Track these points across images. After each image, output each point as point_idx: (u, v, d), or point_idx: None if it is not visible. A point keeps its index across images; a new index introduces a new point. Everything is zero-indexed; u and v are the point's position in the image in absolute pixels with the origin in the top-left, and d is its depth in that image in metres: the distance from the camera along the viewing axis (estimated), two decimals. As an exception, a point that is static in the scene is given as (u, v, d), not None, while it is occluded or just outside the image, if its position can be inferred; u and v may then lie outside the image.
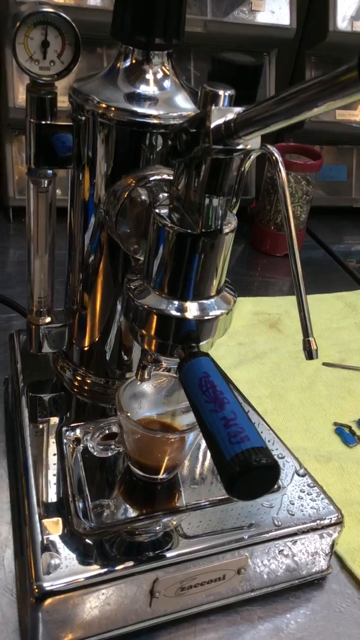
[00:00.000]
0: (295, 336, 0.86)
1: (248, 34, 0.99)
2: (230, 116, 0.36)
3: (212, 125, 0.36)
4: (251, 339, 0.85)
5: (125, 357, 0.60)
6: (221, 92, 0.37)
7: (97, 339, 0.59)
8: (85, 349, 0.60)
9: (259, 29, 0.99)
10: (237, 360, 0.80)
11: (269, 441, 0.59)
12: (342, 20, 1.02)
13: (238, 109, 0.36)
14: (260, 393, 0.75)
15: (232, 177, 0.40)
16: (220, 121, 0.36)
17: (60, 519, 0.48)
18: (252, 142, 0.37)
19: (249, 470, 0.34)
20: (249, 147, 0.38)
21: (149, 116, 0.45)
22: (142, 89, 0.46)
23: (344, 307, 0.95)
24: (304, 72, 1.08)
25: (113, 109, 0.45)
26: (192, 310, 0.43)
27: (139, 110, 0.45)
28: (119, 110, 0.45)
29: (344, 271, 1.08)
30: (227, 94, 0.37)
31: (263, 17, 0.99)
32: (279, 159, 0.49)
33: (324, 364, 0.82)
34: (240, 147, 0.37)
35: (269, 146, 0.50)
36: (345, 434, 0.71)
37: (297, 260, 0.52)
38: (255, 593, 0.52)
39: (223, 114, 0.36)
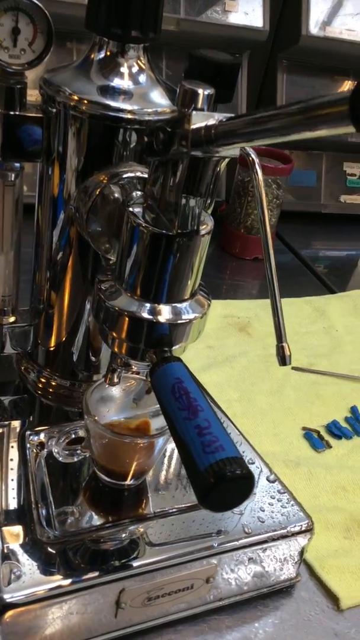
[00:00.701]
0: (264, 340, 0.86)
1: (221, 34, 0.98)
2: (211, 122, 0.35)
3: (192, 129, 0.35)
4: (221, 342, 0.84)
5: (93, 359, 0.58)
6: (200, 91, 0.36)
7: (63, 340, 0.57)
8: (51, 349, 0.58)
9: (232, 30, 0.99)
10: (206, 364, 0.79)
11: (238, 444, 0.58)
12: (315, 25, 1.02)
13: (219, 116, 0.35)
14: (230, 397, 0.74)
15: (209, 177, 0.38)
16: (200, 125, 0.35)
17: (22, 527, 0.46)
18: (231, 150, 0.36)
19: (223, 482, 0.33)
20: (228, 154, 0.37)
21: (123, 111, 0.43)
22: (117, 82, 0.44)
23: (313, 311, 0.95)
24: (276, 76, 1.08)
25: (85, 101, 0.43)
26: (165, 313, 0.42)
27: (113, 104, 0.43)
28: (92, 103, 0.43)
29: (312, 276, 1.09)
30: (206, 93, 0.36)
31: (236, 18, 0.98)
32: (256, 160, 0.48)
33: (293, 368, 0.81)
34: (218, 154, 0.36)
35: (246, 147, 0.49)
36: (314, 438, 0.70)
37: (272, 264, 0.51)
38: (223, 602, 0.51)
39: (203, 119, 0.35)
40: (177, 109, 0.37)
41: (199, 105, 0.37)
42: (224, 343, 0.84)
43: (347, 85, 1.14)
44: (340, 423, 0.74)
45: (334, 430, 0.72)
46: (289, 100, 1.09)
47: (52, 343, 0.58)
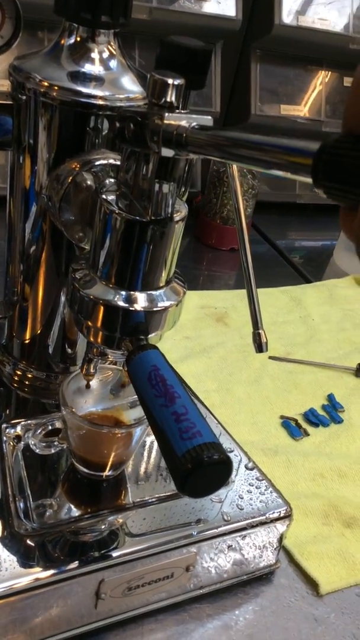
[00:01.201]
0: (242, 330, 0.86)
1: (194, 23, 0.98)
2: (183, 124, 0.35)
3: (162, 130, 0.35)
4: (198, 332, 0.84)
5: (69, 350, 0.58)
6: (170, 81, 0.36)
7: (39, 332, 0.56)
8: (27, 342, 0.57)
9: (205, 19, 0.98)
10: (184, 354, 0.79)
11: (217, 434, 0.58)
12: (288, 14, 1.02)
13: (192, 120, 0.35)
14: (208, 387, 0.74)
15: (182, 164, 0.38)
16: (171, 127, 0.35)
17: (0, 521, 0.46)
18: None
19: (201, 467, 0.33)
20: (196, 157, 0.37)
21: (94, 97, 0.43)
22: (87, 68, 0.43)
23: (289, 301, 0.96)
24: (250, 66, 1.07)
25: (56, 88, 0.43)
26: (140, 301, 0.41)
27: (84, 90, 0.43)
28: (63, 89, 0.43)
29: (288, 266, 1.09)
30: (176, 83, 0.36)
31: (209, 7, 0.98)
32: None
33: (270, 357, 0.82)
34: (188, 156, 0.36)
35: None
36: (292, 427, 0.71)
37: (247, 252, 0.51)
38: (204, 590, 0.51)
39: (176, 121, 0.35)
40: (148, 100, 0.37)
41: (169, 96, 0.36)
42: (201, 334, 0.84)
43: (320, 76, 1.15)
44: (317, 411, 0.74)
45: (311, 418, 0.73)
46: (263, 91, 1.09)
47: (27, 335, 0.57)
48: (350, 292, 1.01)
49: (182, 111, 0.37)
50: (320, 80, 1.14)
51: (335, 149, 0.26)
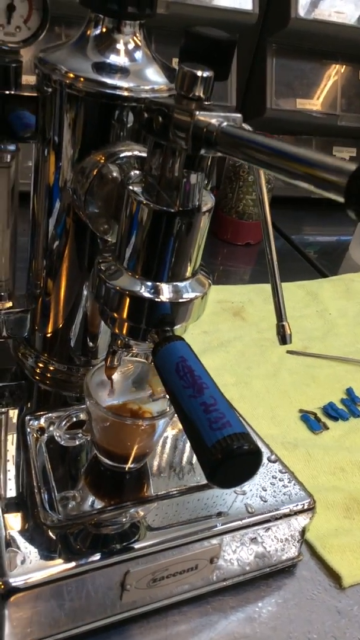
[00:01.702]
0: (259, 324, 0.86)
1: (210, 17, 0.98)
2: (213, 123, 0.34)
3: (193, 131, 0.35)
4: (215, 327, 0.84)
5: (91, 344, 0.58)
6: (200, 73, 0.36)
7: (61, 325, 0.56)
8: (49, 335, 0.57)
9: (221, 13, 0.98)
10: (202, 349, 0.79)
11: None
12: (304, 7, 1.02)
13: (222, 118, 0.35)
14: (226, 381, 0.74)
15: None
16: (201, 125, 0.35)
17: (25, 512, 0.46)
18: None
19: (232, 457, 0.33)
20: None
21: (119, 88, 0.43)
22: (113, 59, 0.43)
23: (305, 295, 0.95)
24: (265, 60, 1.07)
25: (82, 79, 0.43)
26: (166, 292, 0.41)
27: (109, 81, 0.43)
28: (88, 81, 0.43)
29: (304, 260, 1.09)
30: (205, 75, 0.36)
31: (226, 1, 0.97)
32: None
33: (288, 352, 0.81)
34: (215, 154, 0.36)
35: (244, 125, 0.48)
36: (311, 420, 0.71)
37: (271, 243, 0.51)
38: (227, 582, 0.51)
39: (205, 120, 0.35)
40: (176, 92, 0.37)
41: (198, 89, 0.36)
42: (219, 328, 0.84)
43: (335, 69, 1.14)
44: (336, 405, 0.74)
45: (331, 412, 0.72)
46: (278, 85, 1.08)
47: (50, 329, 0.57)
48: (367, 287, 1.01)
49: (209, 104, 0.37)
50: (336, 74, 1.13)
51: None
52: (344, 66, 1.14)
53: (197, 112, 0.35)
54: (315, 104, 1.12)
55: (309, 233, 1.21)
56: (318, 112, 1.12)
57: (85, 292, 0.54)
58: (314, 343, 0.85)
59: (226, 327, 0.84)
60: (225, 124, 0.35)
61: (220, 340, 0.81)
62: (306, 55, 1.10)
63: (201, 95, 0.37)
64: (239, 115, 0.37)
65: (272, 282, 0.50)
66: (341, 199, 0.27)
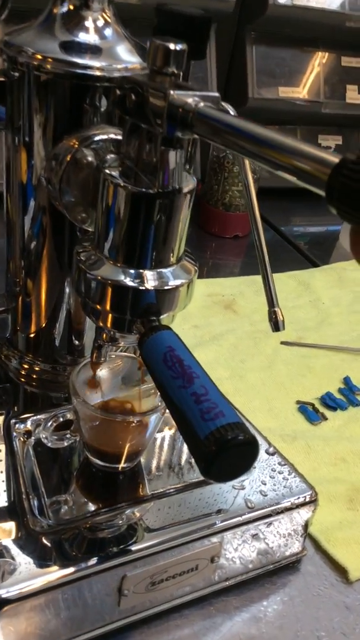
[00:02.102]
0: (251, 316, 0.84)
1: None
2: (189, 103, 0.32)
3: (167, 109, 0.33)
4: (206, 320, 0.82)
5: (76, 342, 0.55)
6: (172, 47, 0.34)
7: (44, 324, 0.54)
8: (32, 335, 0.55)
9: (197, 1, 0.96)
10: (194, 343, 0.77)
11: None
12: (281, -7, 1.00)
13: (198, 99, 0.33)
14: (220, 375, 0.72)
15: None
16: (177, 104, 0.33)
17: (14, 520, 0.44)
18: None
19: (226, 448, 0.31)
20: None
21: (91, 68, 0.41)
22: (82, 37, 0.41)
23: (298, 285, 0.94)
24: (245, 48, 1.05)
25: (50, 60, 0.41)
26: (150, 279, 0.39)
27: (80, 61, 0.41)
28: (57, 61, 0.41)
29: (295, 251, 1.07)
30: (178, 48, 0.34)
31: (201, -10, 0.95)
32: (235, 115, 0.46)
33: (282, 342, 0.80)
34: (192, 136, 0.34)
35: (224, 104, 0.46)
36: (309, 411, 0.69)
37: (259, 228, 0.49)
38: (229, 582, 0.48)
39: (181, 100, 0.32)
40: (149, 68, 0.35)
41: (171, 63, 0.34)
42: (210, 322, 0.82)
43: (317, 56, 1.12)
44: (334, 394, 0.72)
45: (329, 402, 0.70)
46: (260, 73, 1.07)
47: (32, 328, 0.55)
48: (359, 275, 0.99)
49: (185, 84, 0.35)
50: (318, 61, 1.12)
51: (358, 165, 0.24)
52: (326, 53, 1.12)
53: (172, 92, 0.33)
54: (298, 91, 1.10)
55: (299, 224, 1.19)
56: (301, 100, 1.10)
57: (67, 289, 0.52)
58: (308, 333, 0.83)
59: (218, 321, 0.82)
60: (202, 104, 0.33)
61: (212, 334, 0.79)
62: (287, 42, 1.08)
63: (175, 71, 0.35)
64: (216, 94, 0.34)
65: (262, 268, 0.48)
66: (322, 193, 0.25)
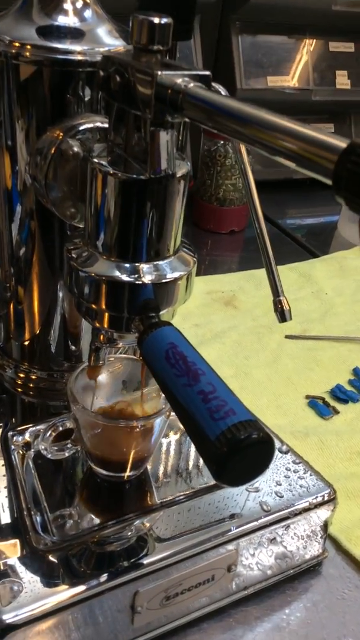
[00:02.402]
0: (252, 311, 0.81)
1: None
2: (179, 83, 0.30)
3: (155, 92, 0.30)
4: (207, 319, 0.79)
5: (73, 347, 0.53)
6: (157, 21, 0.32)
7: (38, 331, 0.52)
8: (26, 342, 0.53)
9: (180, -7, 0.93)
10: (195, 342, 0.74)
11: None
12: (265, -20, 0.98)
13: (188, 78, 0.30)
14: (225, 373, 0.70)
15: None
16: (166, 84, 0.30)
17: (16, 539, 0.41)
18: None
19: (240, 449, 0.28)
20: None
21: (72, 52, 0.38)
22: (61, 21, 0.39)
23: (299, 277, 0.91)
24: (231, 39, 1.03)
25: (29, 47, 0.38)
26: (147, 273, 0.37)
27: (60, 46, 0.38)
28: (36, 48, 0.38)
29: (293, 243, 1.04)
30: (163, 22, 0.32)
31: (183, -20, 0.93)
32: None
33: (286, 336, 0.77)
34: (183, 119, 0.32)
35: (213, 84, 0.44)
36: (319, 405, 0.66)
37: (259, 217, 0.47)
38: (248, 591, 0.46)
39: (169, 81, 0.30)
40: (132, 45, 0.33)
41: (156, 39, 0.32)
42: (211, 319, 0.79)
43: (305, 43, 1.10)
44: (344, 387, 0.69)
45: (339, 394, 0.68)
46: (247, 64, 1.04)
47: (26, 336, 0.52)
48: (361, 263, 0.96)
49: (172, 62, 0.33)
50: (306, 48, 1.09)
51: None
52: (313, 39, 1.10)
53: (159, 72, 0.30)
54: (287, 80, 1.08)
55: (295, 216, 1.17)
56: (291, 88, 1.08)
57: (60, 293, 0.50)
58: (312, 325, 0.80)
59: (219, 318, 0.80)
60: (192, 84, 0.30)
61: (213, 332, 0.77)
62: (273, 30, 1.06)
63: (161, 47, 0.33)
64: (207, 72, 0.32)
65: (264, 256, 0.46)
66: (329, 182, 0.22)
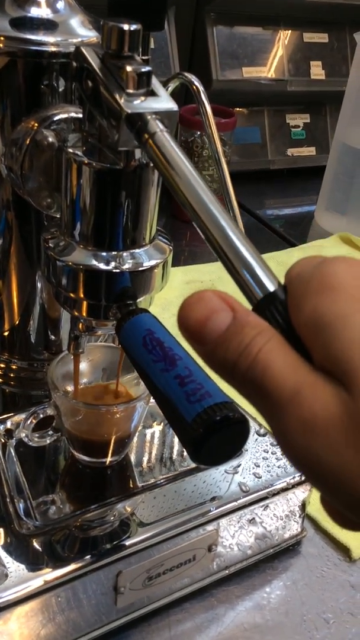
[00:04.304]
0: (231, 300, 0.82)
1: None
2: (148, 126, 0.30)
3: (124, 124, 0.31)
4: (186, 308, 0.80)
5: (53, 337, 0.54)
6: (126, 27, 0.32)
7: (17, 322, 0.52)
8: (5, 333, 0.53)
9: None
10: (175, 332, 0.75)
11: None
12: (238, -28, 0.98)
13: (156, 119, 0.30)
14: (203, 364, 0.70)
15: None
16: (133, 122, 0.31)
17: (0, 526, 0.42)
18: None
19: (215, 430, 0.29)
20: None
21: (45, 44, 0.39)
22: (34, 12, 0.39)
23: (277, 266, 0.92)
24: (206, 30, 1.03)
25: (2, 38, 0.38)
26: (123, 261, 0.37)
27: (33, 37, 0.39)
28: (9, 39, 0.38)
29: (271, 233, 1.05)
30: (132, 28, 0.32)
31: (157, -28, 0.93)
32: (201, 88, 0.44)
33: (264, 324, 0.78)
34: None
35: (186, 74, 0.45)
36: (297, 391, 0.67)
37: (234, 206, 0.48)
38: (229, 570, 0.47)
39: (138, 118, 0.30)
40: (104, 50, 0.33)
41: (126, 45, 0.32)
42: (191, 309, 0.80)
43: (279, 34, 1.11)
44: (321, 372, 0.70)
45: (317, 380, 0.69)
46: (222, 55, 1.04)
47: (6, 327, 0.53)
48: (338, 251, 0.98)
49: (146, 59, 0.33)
50: (280, 39, 1.10)
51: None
52: (288, 30, 1.11)
53: (128, 110, 0.31)
54: (262, 71, 1.08)
55: (273, 206, 1.18)
56: (266, 79, 1.09)
57: (38, 284, 0.50)
58: (290, 313, 0.81)
59: (198, 307, 0.81)
60: (158, 131, 0.30)
61: (193, 321, 0.78)
62: (247, 21, 1.06)
63: (130, 54, 0.33)
64: (174, 108, 0.32)
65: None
66: None
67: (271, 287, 0.26)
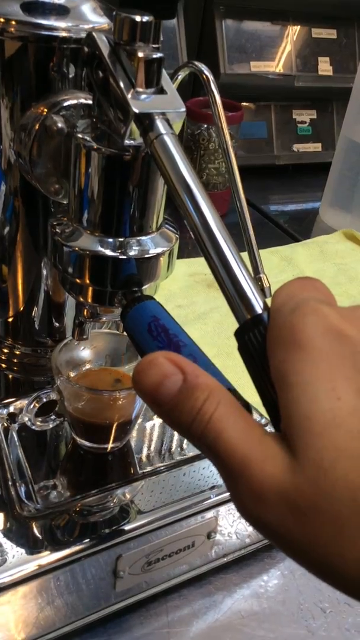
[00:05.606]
0: (234, 293, 0.82)
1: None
2: (154, 123, 0.31)
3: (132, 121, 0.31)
4: (190, 300, 0.81)
5: (57, 324, 0.54)
6: (138, 19, 0.32)
7: (22, 308, 0.52)
8: (10, 319, 0.53)
9: (164, -24, 0.94)
10: (179, 322, 0.75)
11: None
12: (249, -35, 0.98)
13: (163, 122, 0.31)
14: (207, 353, 0.70)
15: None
16: (142, 119, 0.31)
17: (1, 509, 0.42)
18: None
19: None
20: None
21: (56, 29, 0.39)
22: (46, -3, 0.39)
23: (280, 261, 0.92)
24: (214, 24, 1.03)
25: (13, 22, 0.38)
26: (130, 248, 0.38)
27: (45, 22, 0.39)
28: (21, 24, 0.38)
29: (275, 227, 1.06)
30: (144, 20, 0.32)
31: None
32: (211, 77, 0.44)
33: (267, 317, 0.78)
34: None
35: (196, 63, 0.45)
36: (299, 384, 0.67)
37: (242, 198, 0.48)
38: (227, 558, 0.47)
39: (146, 118, 0.31)
40: (115, 41, 0.33)
41: (138, 36, 0.32)
42: (194, 301, 0.81)
43: (287, 29, 1.11)
44: (322, 366, 0.71)
45: (318, 374, 0.69)
46: (230, 49, 1.04)
47: (10, 313, 0.53)
48: (341, 247, 0.98)
49: (157, 47, 0.33)
50: (289, 34, 1.10)
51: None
52: (297, 25, 1.11)
53: (135, 110, 0.31)
54: (270, 65, 1.08)
55: (278, 202, 1.18)
56: (274, 74, 1.09)
57: (44, 271, 0.50)
58: (293, 307, 0.81)
59: (201, 299, 0.81)
60: (164, 135, 0.31)
61: (196, 313, 0.78)
62: (256, 16, 1.06)
63: (142, 45, 0.33)
64: (181, 108, 0.32)
65: (245, 236, 0.47)
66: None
67: (258, 309, 0.27)
